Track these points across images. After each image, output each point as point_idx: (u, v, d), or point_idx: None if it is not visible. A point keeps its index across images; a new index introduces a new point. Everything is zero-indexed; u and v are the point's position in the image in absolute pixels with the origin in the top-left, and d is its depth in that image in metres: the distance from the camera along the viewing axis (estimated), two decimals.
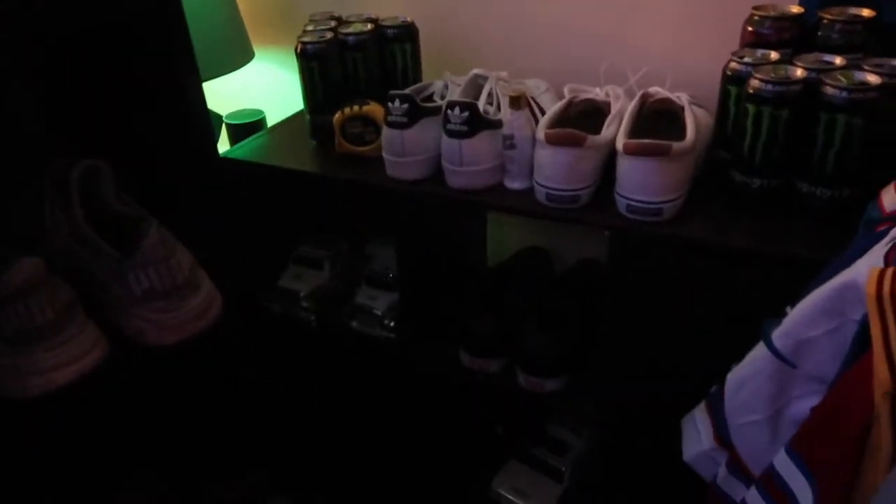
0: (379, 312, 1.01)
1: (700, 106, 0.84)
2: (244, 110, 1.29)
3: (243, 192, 0.99)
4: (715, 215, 0.77)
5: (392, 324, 1.01)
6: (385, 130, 0.86)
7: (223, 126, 1.28)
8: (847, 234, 0.64)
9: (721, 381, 0.68)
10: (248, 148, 1.02)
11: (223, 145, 1.29)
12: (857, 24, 0.75)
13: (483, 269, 1.18)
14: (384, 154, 0.88)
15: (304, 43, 0.93)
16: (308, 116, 0.99)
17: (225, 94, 1.30)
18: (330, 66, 0.95)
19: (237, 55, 1.20)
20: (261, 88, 1.35)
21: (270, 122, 1.29)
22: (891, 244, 0.51)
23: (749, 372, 0.60)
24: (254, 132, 1.24)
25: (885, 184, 0.63)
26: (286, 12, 1.25)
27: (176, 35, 0.73)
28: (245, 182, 0.99)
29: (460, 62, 1.06)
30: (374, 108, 0.92)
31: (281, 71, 1.32)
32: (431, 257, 1.02)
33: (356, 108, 0.91)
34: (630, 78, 0.86)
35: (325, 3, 1.15)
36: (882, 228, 0.59)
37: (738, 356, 0.66)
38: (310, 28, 0.98)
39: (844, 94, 0.67)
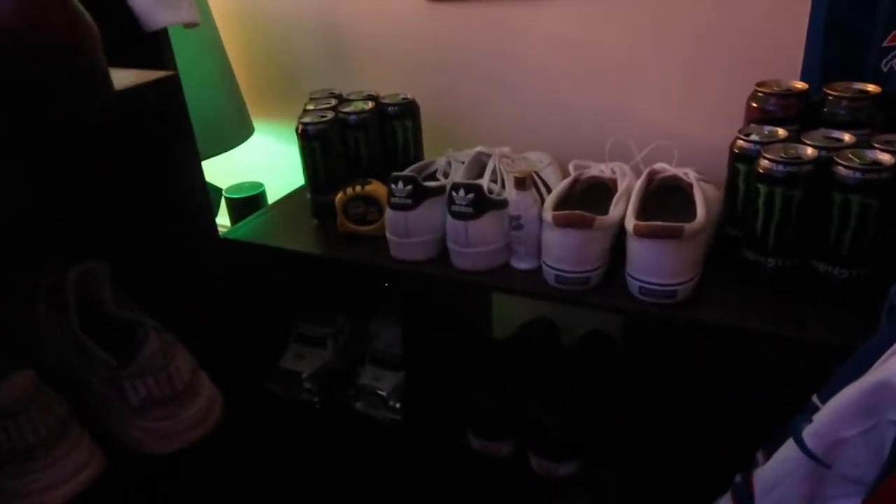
0: (384, 393, 0.98)
1: (707, 182, 0.83)
2: (243, 183, 1.28)
3: (243, 270, 0.97)
4: (729, 296, 0.75)
5: (398, 405, 0.98)
6: (389, 212, 0.84)
7: (222, 200, 1.27)
8: (867, 317, 0.63)
9: (744, 468, 0.65)
10: (249, 227, 1.00)
11: (223, 218, 1.28)
12: (863, 100, 0.74)
13: (490, 342, 1.15)
14: (388, 235, 0.86)
15: (304, 124, 0.93)
16: (309, 195, 0.98)
17: (224, 167, 1.29)
18: (331, 146, 0.94)
19: (237, 132, 1.19)
20: (260, 161, 1.34)
21: (270, 194, 1.28)
22: None
23: (780, 472, 0.57)
24: (253, 206, 1.23)
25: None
26: (285, 87, 1.25)
27: (177, 126, 0.72)
28: (246, 261, 0.97)
29: (462, 137, 1.06)
30: (376, 188, 0.90)
31: (280, 144, 1.32)
32: (437, 334, 1.00)
33: (358, 188, 0.90)
34: (636, 154, 0.85)
35: (324, 79, 1.16)
36: None
37: (760, 441, 0.63)
38: (310, 107, 0.98)
39: (858, 174, 0.66)
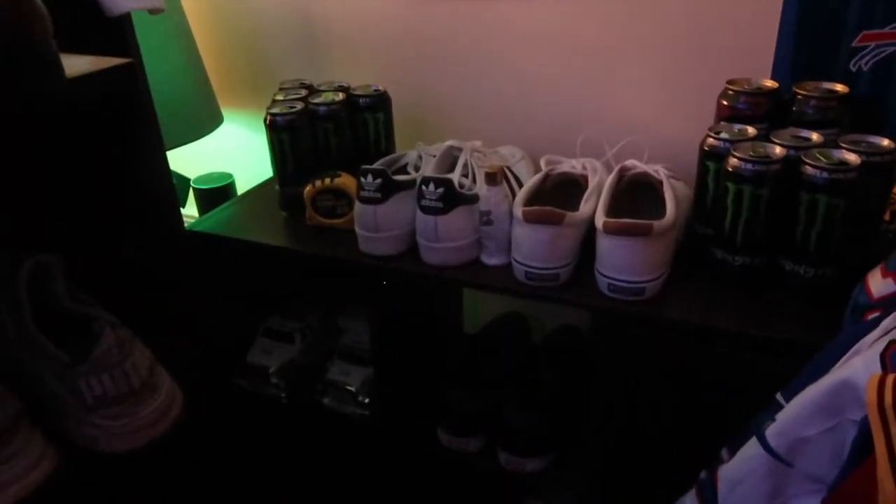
0: (353, 389, 0.97)
1: (677, 179, 0.83)
2: (212, 174, 1.26)
3: (211, 262, 0.95)
4: (697, 293, 0.75)
5: (367, 401, 0.97)
6: (358, 206, 0.83)
7: (190, 190, 1.24)
8: (832, 315, 0.63)
9: (710, 463, 0.66)
10: (217, 219, 0.98)
11: (191, 209, 1.25)
12: (831, 100, 0.75)
13: (460, 336, 1.15)
14: (357, 229, 0.85)
15: (273, 114, 0.91)
16: (278, 187, 0.96)
17: (193, 157, 1.26)
18: (300, 138, 0.92)
19: (206, 121, 1.17)
20: (230, 150, 1.32)
21: (240, 184, 1.26)
22: (886, 342, 0.49)
23: (744, 470, 0.57)
24: (222, 197, 1.21)
25: (866, 261, 0.62)
26: (255, 75, 1.23)
27: (139, 115, 0.70)
28: (213, 253, 0.95)
29: (434, 131, 1.05)
30: (345, 181, 0.89)
31: (251, 133, 1.30)
32: (407, 328, 0.99)
33: (327, 180, 0.89)
34: (607, 150, 0.85)
35: (296, 69, 1.14)
36: (871, 316, 0.57)
37: (726, 437, 0.64)
38: (279, 97, 0.96)
39: (825, 174, 0.66)
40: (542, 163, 0.87)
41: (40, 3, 0.47)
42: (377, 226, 0.82)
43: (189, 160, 1.26)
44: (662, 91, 0.94)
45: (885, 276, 0.59)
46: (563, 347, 1.06)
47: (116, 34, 0.77)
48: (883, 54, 0.78)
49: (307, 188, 0.90)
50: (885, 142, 0.70)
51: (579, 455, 0.90)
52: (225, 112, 1.23)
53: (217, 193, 1.21)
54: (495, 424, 0.92)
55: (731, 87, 0.79)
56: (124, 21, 0.79)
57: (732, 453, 0.63)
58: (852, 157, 0.67)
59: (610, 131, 0.88)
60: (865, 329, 0.55)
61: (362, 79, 1.00)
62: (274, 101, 0.95)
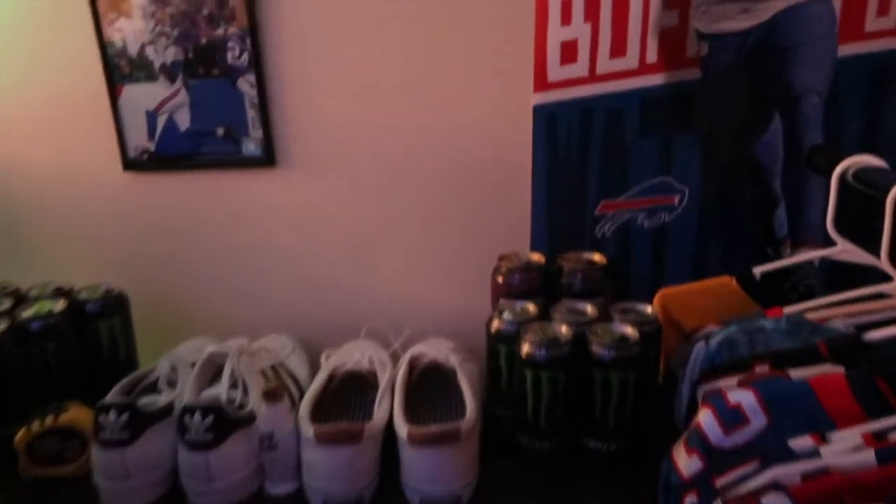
0: None
1: (467, 360, 0.80)
2: None
3: None
4: (509, 486, 0.70)
5: None
6: (98, 451, 0.65)
7: None
8: (634, 485, 0.65)
9: None
10: None
11: None
12: (595, 272, 0.79)
13: None
14: (99, 480, 0.67)
15: None
16: None
17: None
18: (5, 366, 0.72)
19: None
20: None
21: None
22: None
23: None
24: None
25: (657, 427, 0.64)
26: None
27: None
28: None
29: (185, 329, 0.90)
30: (76, 416, 0.71)
31: None
32: None
33: (50, 419, 0.70)
34: (391, 339, 0.80)
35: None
36: (689, 501, 0.57)
37: None
38: None
39: (612, 352, 0.67)
40: (323, 358, 0.79)
41: None
42: (128, 472, 0.65)
43: None
44: (434, 270, 0.92)
45: (689, 453, 0.59)
46: None
47: None
48: (620, 220, 0.86)
49: (20, 433, 0.69)
50: (649, 309, 0.74)
51: None
52: None
53: None
54: None
55: (503, 263, 0.80)
56: None
57: None
58: (630, 331, 0.69)
59: (386, 312, 0.83)
60: None
61: (87, 278, 0.83)
62: None
